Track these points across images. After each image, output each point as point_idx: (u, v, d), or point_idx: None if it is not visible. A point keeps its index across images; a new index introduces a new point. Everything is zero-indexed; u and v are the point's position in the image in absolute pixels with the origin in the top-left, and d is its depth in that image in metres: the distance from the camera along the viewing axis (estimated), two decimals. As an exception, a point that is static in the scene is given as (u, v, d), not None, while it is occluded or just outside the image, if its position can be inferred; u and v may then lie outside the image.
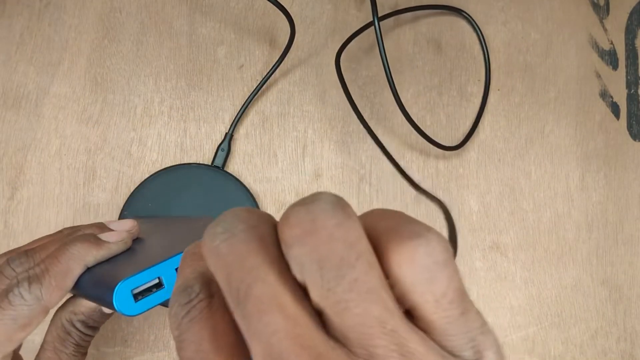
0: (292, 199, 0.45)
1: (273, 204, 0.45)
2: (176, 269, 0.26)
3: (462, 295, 0.17)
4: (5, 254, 0.31)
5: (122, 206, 0.43)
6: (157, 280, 0.26)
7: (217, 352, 0.17)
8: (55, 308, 0.32)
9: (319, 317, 0.16)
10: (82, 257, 0.29)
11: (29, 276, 0.28)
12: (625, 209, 0.45)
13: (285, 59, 0.44)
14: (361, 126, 0.46)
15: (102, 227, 0.33)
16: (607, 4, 0.48)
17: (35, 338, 0.35)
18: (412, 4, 0.47)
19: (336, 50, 0.46)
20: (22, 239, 0.43)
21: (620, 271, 0.45)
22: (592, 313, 0.44)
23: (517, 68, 0.47)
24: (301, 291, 0.16)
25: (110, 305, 0.26)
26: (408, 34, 0.48)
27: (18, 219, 0.44)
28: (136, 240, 0.33)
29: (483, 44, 0.47)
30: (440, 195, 0.45)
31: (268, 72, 0.44)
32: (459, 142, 0.45)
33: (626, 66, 0.48)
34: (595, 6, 0.48)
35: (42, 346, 0.31)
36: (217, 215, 0.17)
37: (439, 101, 0.47)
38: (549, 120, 0.47)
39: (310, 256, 0.16)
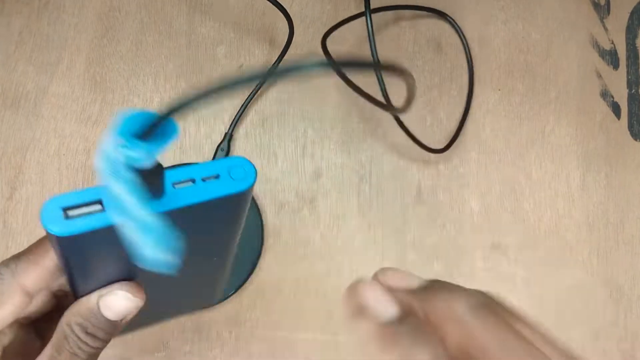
0: (292, 199, 0.44)
1: (273, 204, 0.44)
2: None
3: None
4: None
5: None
6: (98, 204, 0.21)
7: None
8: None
9: None
10: None
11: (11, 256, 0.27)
12: (626, 209, 0.45)
13: (285, 58, 0.44)
14: (361, 125, 0.45)
15: None
16: (608, 3, 0.48)
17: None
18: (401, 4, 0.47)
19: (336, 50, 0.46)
20: (21, 239, 0.43)
21: (621, 271, 0.44)
22: (593, 313, 0.44)
23: (518, 68, 0.47)
24: None
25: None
26: (408, 33, 0.47)
27: (17, 219, 0.44)
28: None
29: (464, 42, 0.47)
30: (440, 195, 0.45)
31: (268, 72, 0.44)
32: (446, 144, 0.45)
33: (627, 66, 0.48)
34: (596, 6, 0.48)
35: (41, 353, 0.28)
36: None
37: (439, 101, 0.46)
38: (550, 120, 0.46)
39: None
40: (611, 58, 0.48)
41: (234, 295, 0.43)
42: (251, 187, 0.22)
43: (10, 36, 0.46)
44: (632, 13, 0.48)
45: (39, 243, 0.27)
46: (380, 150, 0.45)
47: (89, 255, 0.24)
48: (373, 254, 0.43)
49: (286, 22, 0.42)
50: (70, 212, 0.21)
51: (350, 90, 0.45)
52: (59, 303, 0.31)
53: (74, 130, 0.45)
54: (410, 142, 0.45)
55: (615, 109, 0.47)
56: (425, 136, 0.45)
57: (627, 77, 0.47)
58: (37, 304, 0.30)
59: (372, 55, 0.44)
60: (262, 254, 0.43)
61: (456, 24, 0.47)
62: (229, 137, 0.44)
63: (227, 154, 0.44)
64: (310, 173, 0.45)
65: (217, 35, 0.47)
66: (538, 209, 0.45)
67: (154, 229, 0.18)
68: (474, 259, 0.44)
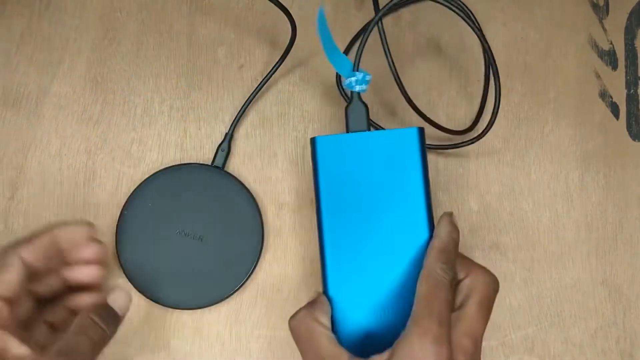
0: (292, 199, 0.45)
1: (273, 204, 0.45)
2: None
3: None
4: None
5: (122, 206, 0.43)
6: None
7: None
8: None
9: None
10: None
11: None
12: (624, 209, 0.46)
13: (286, 59, 0.44)
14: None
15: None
16: (607, 4, 0.48)
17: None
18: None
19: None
20: (23, 239, 0.43)
21: (619, 271, 0.45)
22: (591, 313, 0.44)
23: (517, 68, 0.47)
24: None
25: None
26: (408, 33, 0.48)
27: (18, 219, 0.44)
28: None
29: (482, 41, 0.47)
30: (439, 195, 0.45)
31: (268, 73, 0.44)
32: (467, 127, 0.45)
33: (626, 66, 0.48)
34: (595, 6, 0.49)
35: None
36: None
37: (439, 101, 0.47)
38: (549, 121, 0.47)
39: None
40: (610, 58, 0.48)
41: (234, 295, 0.43)
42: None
43: (11, 37, 0.46)
44: (630, 14, 0.48)
45: (39, 232, 0.36)
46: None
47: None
48: (373, 254, 0.44)
49: (287, 22, 0.42)
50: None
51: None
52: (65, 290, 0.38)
53: (75, 131, 0.45)
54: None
55: (614, 110, 0.47)
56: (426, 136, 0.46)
57: (626, 77, 0.48)
58: (46, 288, 0.37)
59: (386, 56, 0.44)
60: (262, 254, 0.43)
61: (475, 19, 0.46)
62: (229, 137, 0.44)
63: (228, 154, 0.44)
64: (310, 173, 0.45)
65: (218, 36, 0.47)
66: (537, 209, 0.45)
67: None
68: (473, 259, 0.44)
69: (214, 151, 0.44)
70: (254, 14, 0.48)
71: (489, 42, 0.47)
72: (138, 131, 0.45)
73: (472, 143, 0.43)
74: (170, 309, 0.42)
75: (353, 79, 0.38)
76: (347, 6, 0.48)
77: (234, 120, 0.45)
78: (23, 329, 0.34)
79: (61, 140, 0.45)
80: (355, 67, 0.38)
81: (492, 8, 0.48)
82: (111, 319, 0.36)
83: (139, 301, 0.43)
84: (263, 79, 0.45)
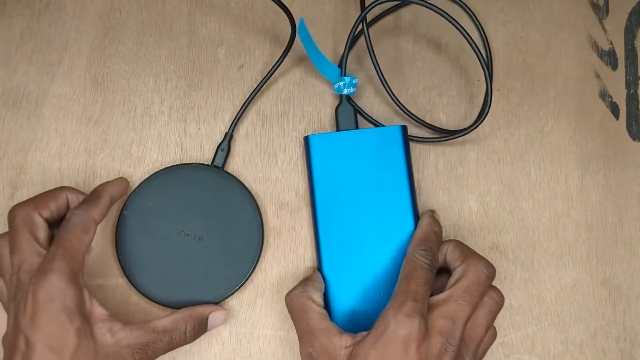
0: (292, 199, 0.45)
1: (273, 204, 0.45)
2: None
3: None
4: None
5: (122, 206, 0.43)
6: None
7: None
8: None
9: None
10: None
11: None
12: (624, 209, 0.46)
13: (285, 58, 0.44)
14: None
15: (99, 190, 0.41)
16: (607, 4, 0.48)
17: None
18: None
19: (336, 50, 0.46)
20: (23, 239, 0.43)
21: (619, 271, 0.45)
22: (591, 313, 0.44)
23: (517, 68, 0.47)
24: None
25: None
26: (408, 33, 0.48)
27: (18, 219, 0.44)
28: None
29: (484, 39, 0.47)
30: (439, 195, 0.45)
31: (268, 72, 0.44)
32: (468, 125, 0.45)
33: (625, 66, 0.48)
34: (595, 6, 0.49)
35: None
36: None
37: (439, 101, 0.47)
38: (549, 120, 0.47)
39: None
40: (610, 58, 0.48)
41: (234, 295, 0.43)
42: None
43: (11, 37, 0.46)
44: (630, 14, 0.49)
45: (92, 196, 0.39)
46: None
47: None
48: (373, 254, 0.44)
49: (287, 22, 0.42)
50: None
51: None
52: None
53: (75, 131, 0.45)
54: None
55: (614, 109, 0.47)
56: (425, 136, 0.46)
57: (626, 77, 0.48)
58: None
59: (371, 57, 0.44)
60: (262, 254, 0.43)
61: (477, 19, 0.46)
62: (229, 137, 0.44)
63: (228, 153, 0.44)
64: (310, 173, 0.45)
65: (218, 36, 0.47)
66: (537, 209, 0.45)
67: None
68: (473, 259, 0.44)
69: (214, 151, 0.44)
70: (254, 13, 0.48)
71: (489, 42, 0.47)
72: (138, 131, 0.45)
73: (463, 135, 0.44)
74: (170, 309, 0.42)
75: (341, 83, 0.43)
76: (347, 6, 0.48)
77: (233, 120, 0.45)
78: None
79: (61, 140, 0.45)
80: (343, 72, 0.43)
81: (492, 8, 0.48)
82: (201, 331, 0.40)
83: (138, 301, 0.43)
84: (263, 79, 0.45)
